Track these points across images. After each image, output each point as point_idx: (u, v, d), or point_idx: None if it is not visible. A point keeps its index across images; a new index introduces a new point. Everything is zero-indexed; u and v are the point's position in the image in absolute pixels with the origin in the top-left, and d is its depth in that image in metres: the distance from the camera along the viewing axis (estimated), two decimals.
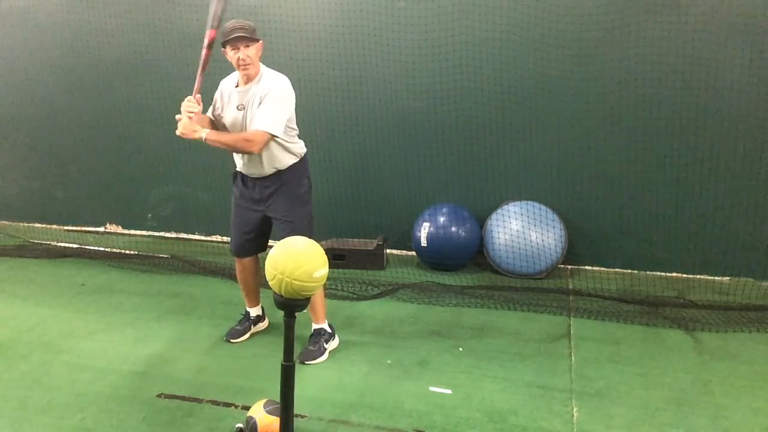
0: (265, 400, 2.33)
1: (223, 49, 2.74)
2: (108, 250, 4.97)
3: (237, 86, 2.85)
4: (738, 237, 4.00)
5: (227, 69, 2.91)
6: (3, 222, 5.97)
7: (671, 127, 3.98)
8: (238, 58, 2.70)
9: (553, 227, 4.15)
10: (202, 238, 5.37)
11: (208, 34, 2.70)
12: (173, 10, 4.83)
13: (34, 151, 5.70)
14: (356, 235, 4.73)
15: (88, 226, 5.70)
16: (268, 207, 2.95)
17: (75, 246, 5.04)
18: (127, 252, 4.92)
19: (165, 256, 4.78)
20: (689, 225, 4.10)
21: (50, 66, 5.39)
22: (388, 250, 4.72)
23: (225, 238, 5.25)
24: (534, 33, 4.07)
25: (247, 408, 2.39)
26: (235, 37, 2.66)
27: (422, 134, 4.52)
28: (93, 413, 2.53)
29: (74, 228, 5.71)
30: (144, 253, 4.88)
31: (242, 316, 3.33)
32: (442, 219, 4.31)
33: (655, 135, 4.02)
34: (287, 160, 2.89)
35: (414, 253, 4.63)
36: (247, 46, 2.70)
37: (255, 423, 2.25)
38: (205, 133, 2.70)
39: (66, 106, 5.45)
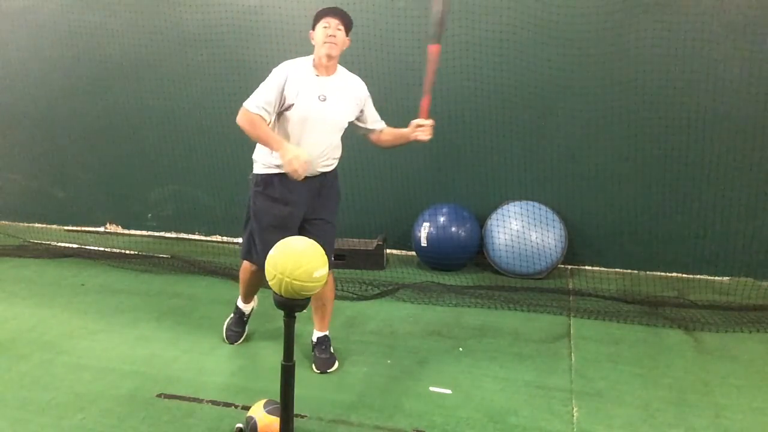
0: (265, 400, 2.33)
1: (311, 31, 2.64)
2: (108, 250, 4.97)
3: (317, 74, 2.67)
4: (738, 237, 4.00)
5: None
6: (3, 222, 5.97)
7: (671, 127, 3.98)
8: (327, 34, 2.57)
9: (553, 227, 4.15)
10: (202, 238, 5.37)
11: (432, 50, 2.47)
12: (174, 10, 4.84)
13: (34, 151, 5.71)
14: (356, 235, 4.73)
15: (88, 226, 5.70)
16: (309, 207, 2.81)
17: (75, 246, 5.04)
18: (127, 252, 4.92)
19: (165, 256, 4.78)
20: (689, 225, 4.10)
21: (50, 66, 5.39)
22: (388, 250, 4.72)
23: (225, 238, 5.26)
24: (534, 33, 4.07)
25: (247, 408, 2.39)
26: (334, 9, 2.59)
27: None
28: (93, 413, 2.53)
29: (74, 228, 5.71)
30: (144, 253, 4.88)
31: (231, 317, 3.28)
32: (442, 219, 4.31)
33: (655, 135, 4.03)
34: (336, 161, 2.86)
35: (414, 253, 4.63)
36: (339, 29, 2.60)
37: (255, 423, 2.24)
38: None
39: (66, 106, 5.45)
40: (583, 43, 4.01)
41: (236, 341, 3.22)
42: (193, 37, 4.87)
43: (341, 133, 2.80)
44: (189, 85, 4.95)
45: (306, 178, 2.62)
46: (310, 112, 2.63)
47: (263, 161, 2.77)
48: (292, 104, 2.61)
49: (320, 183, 2.80)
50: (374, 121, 2.89)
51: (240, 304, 3.25)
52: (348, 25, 2.65)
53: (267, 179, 2.75)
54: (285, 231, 2.69)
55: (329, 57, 2.61)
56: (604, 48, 3.98)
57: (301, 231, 2.80)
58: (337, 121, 2.72)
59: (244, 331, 3.25)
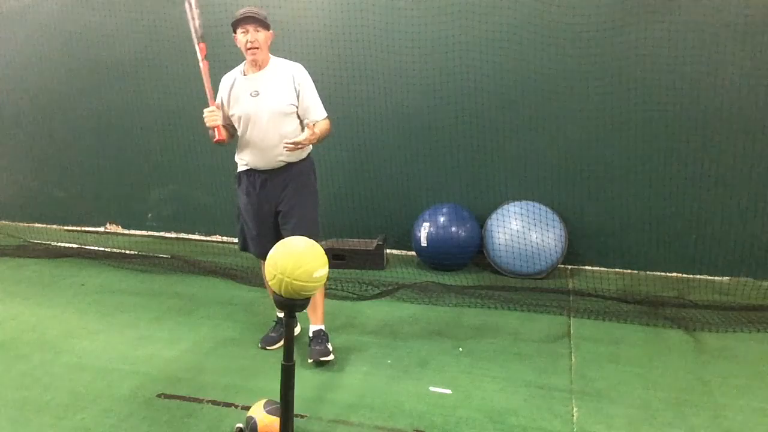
0: (265, 400, 2.33)
1: (234, 35, 2.73)
2: (108, 250, 4.97)
3: (245, 74, 2.81)
4: (738, 237, 4.00)
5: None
6: (3, 222, 5.97)
7: (671, 127, 3.98)
8: (247, 41, 2.68)
9: (553, 227, 4.15)
10: (202, 238, 5.38)
11: (199, 49, 2.81)
12: (173, 10, 4.84)
13: (34, 150, 5.71)
14: (356, 235, 4.73)
15: (88, 226, 5.70)
16: (279, 200, 2.89)
17: (75, 246, 5.04)
18: (127, 252, 4.92)
19: (165, 256, 4.78)
20: (689, 225, 4.09)
21: (50, 66, 5.39)
22: (388, 250, 4.72)
23: (225, 238, 5.26)
24: (534, 33, 4.07)
25: (247, 408, 2.39)
26: (246, 17, 2.67)
27: (422, 134, 4.52)
28: (93, 413, 2.53)
29: (74, 228, 5.71)
30: (144, 253, 4.88)
31: (275, 323, 3.26)
32: (442, 219, 4.31)
33: (655, 135, 4.02)
34: (299, 153, 2.87)
35: (414, 253, 4.63)
36: (257, 30, 2.69)
37: (255, 423, 2.25)
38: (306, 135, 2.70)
39: (66, 106, 5.45)
40: (583, 44, 4.01)
41: (270, 346, 3.14)
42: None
43: (290, 120, 2.81)
44: (189, 85, 4.93)
45: (264, 173, 2.85)
46: (245, 110, 2.79)
47: (236, 160, 2.97)
48: (230, 110, 2.84)
49: (286, 175, 2.87)
50: (308, 111, 2.83)
51: (278, 312, 3.25)
52: (264, 24, 2.73)
53: (239, 176, 2.97)
54: (258, 223, 2.93)
55: (256, 62, 2.76)
56: (604, 48, 3.98)
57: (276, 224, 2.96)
58: (275, 109, 2.77)
59: (280, 339, 3.09)
